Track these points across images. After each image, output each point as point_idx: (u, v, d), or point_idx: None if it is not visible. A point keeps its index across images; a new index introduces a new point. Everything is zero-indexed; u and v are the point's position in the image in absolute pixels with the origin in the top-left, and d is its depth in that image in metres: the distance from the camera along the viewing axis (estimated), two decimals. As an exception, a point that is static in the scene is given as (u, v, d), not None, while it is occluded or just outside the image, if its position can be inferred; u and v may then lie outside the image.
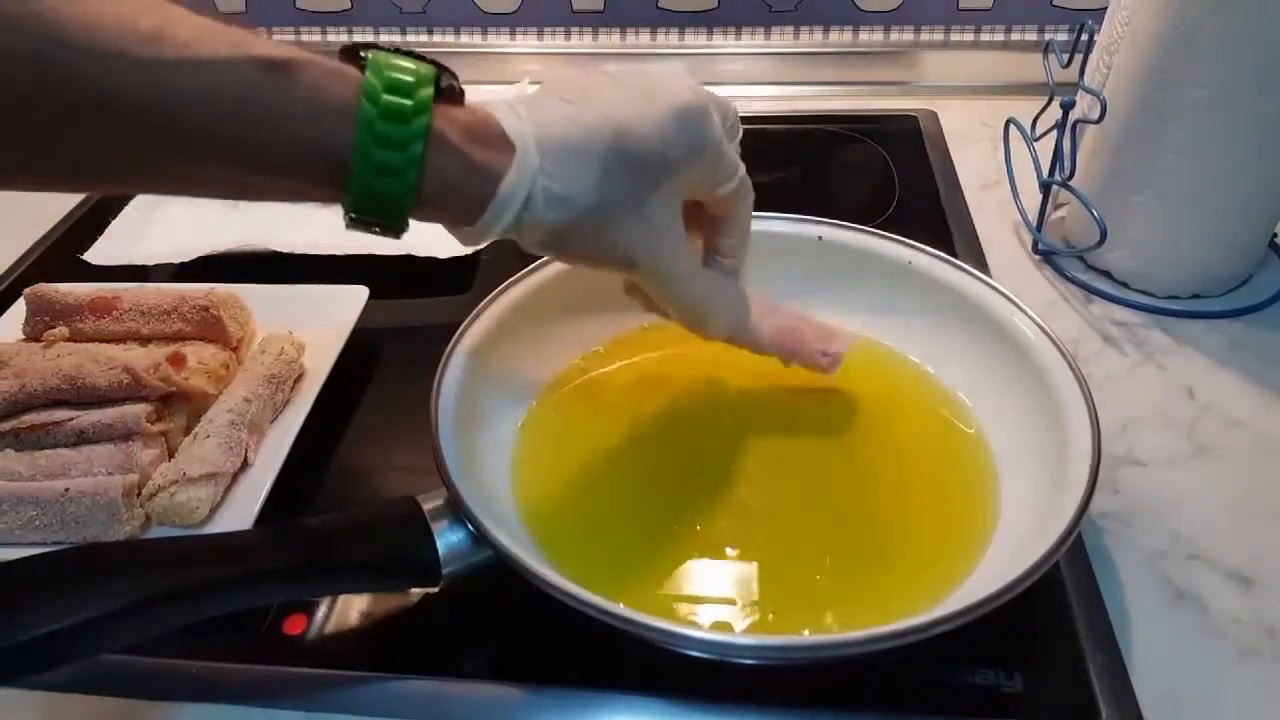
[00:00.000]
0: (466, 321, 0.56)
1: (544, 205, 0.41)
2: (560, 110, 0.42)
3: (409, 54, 0.39)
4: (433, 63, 0.39)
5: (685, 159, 0.44)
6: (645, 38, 1.07)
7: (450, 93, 0.40)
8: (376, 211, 0.39)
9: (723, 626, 0.46)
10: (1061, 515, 0.43)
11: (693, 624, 0.46)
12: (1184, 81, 0.61)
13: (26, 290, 0.64)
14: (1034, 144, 0.74)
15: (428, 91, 0.38)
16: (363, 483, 0.59)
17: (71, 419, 0.55)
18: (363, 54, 0.38)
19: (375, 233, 0.40)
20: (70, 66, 0.32)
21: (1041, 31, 1.02)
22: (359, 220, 0.39)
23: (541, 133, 0.41)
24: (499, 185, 0.40)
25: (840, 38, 1.06)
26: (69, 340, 0.61)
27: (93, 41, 0.32)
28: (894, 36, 1.05)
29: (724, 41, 1.07)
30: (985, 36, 1.04)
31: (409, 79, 0.37)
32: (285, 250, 0.74)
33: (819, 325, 0.58)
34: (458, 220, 0.42)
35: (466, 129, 0.39)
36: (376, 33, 1.09)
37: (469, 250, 0.74)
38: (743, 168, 0.48)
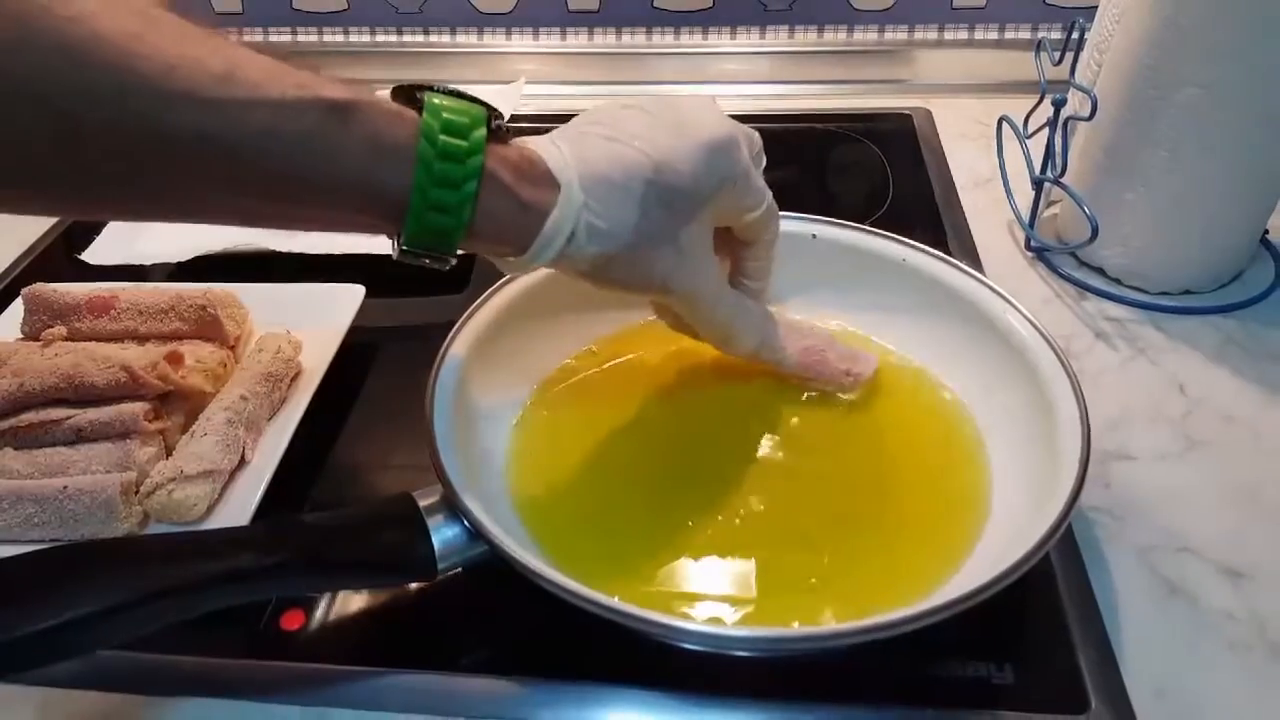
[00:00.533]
0: (461, 320, 0.56)
1: (587, 239, 0.43)
2: (601, 148, 0.44)
3: (459, 94, 0.41)
4: (481, 103, 0.41)
5: (717, 190, 0.47)
6: (640, 37, 1.07)
7: (498, 132, 0.42)
8: (429, 245, 0.41)
9: (717, 620, 0.47)
10: (1051, 508, 0.44)
11: (687, 617, 0.46)
12: (1174, 79, 0.62)
13: (24, 290, 0.65)
14: (1026, 141, 0.74)
15: (481, 132, 0.40)
16: (359, 480, 0.59)
17: (69, 417, 0.55)
18: (419, 94, 0.40)
19: (424, 264, 0.42)
20: (148, 104, 0.34)
21: (1035, 29, 1.02)
22: (410, 253, 0.42)
23: (584, 170, 0.43)
24: (545, 221, 0.42)
25: (835, 37, 1.06)
26: (67, 339, 0.62)
27: (170, 81, 0.34)
28: (888, 35, 1.05)
29: (719, 41, 1.07)
30: (979, 35, 1.04)
31: (464, 120, 0.40)
32: (282, 250, 0.74)
33: (844, 348, 0.59)
34: (505, 252, 0.45)
35: (515, 167, 0.42)
36: (373, 32, 1.10)
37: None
38: (769, 194, 0.51)
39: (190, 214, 0.42)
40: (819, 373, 0.58)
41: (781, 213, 0.63)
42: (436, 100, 0.40)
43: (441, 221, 0.40)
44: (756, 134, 0.51)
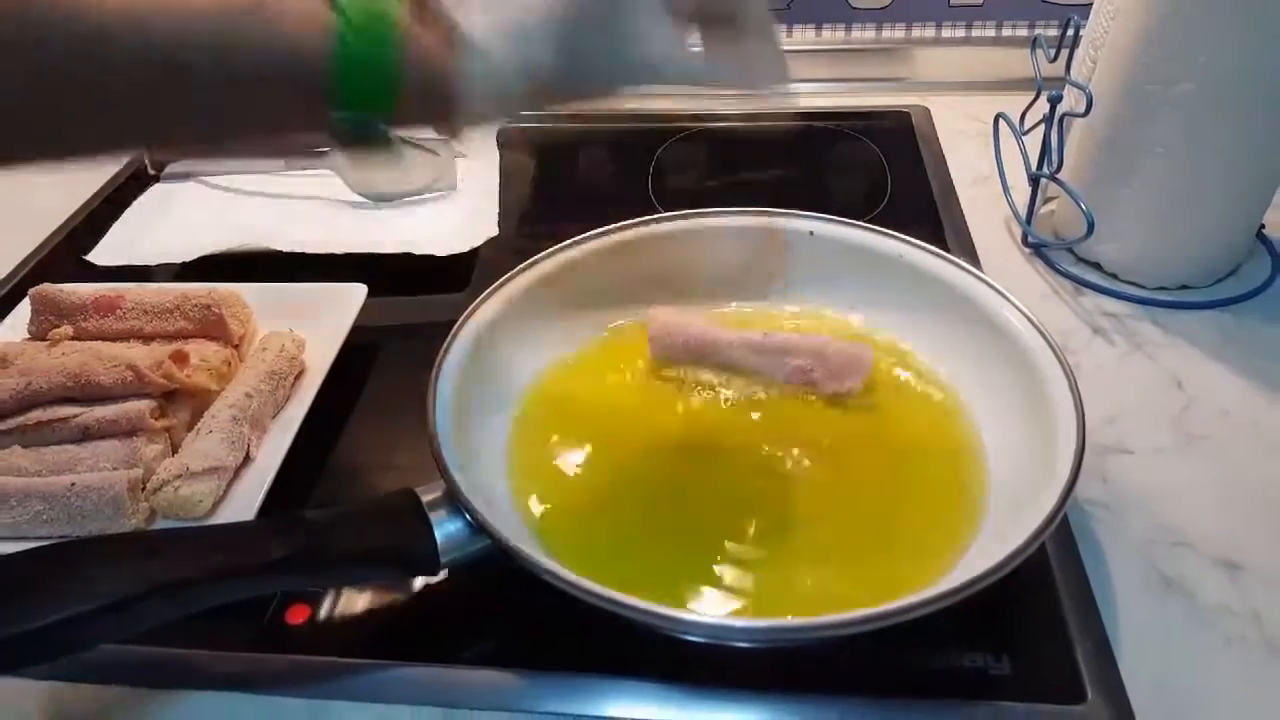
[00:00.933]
0: (463, 318, 0.57)
1: (515, 77, 0.41)
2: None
3: None
4: None
5: None
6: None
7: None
8: (359, 110, 0.40)
9: (717, 612, 0.47)
10: (1046, 501, 0.44)
11: (688, 609, 0.47)
12: (1168, 74, 0.62)
13: (31, 290, 0.65)
14: (1023, 138, 0.74)
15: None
16: (362, 476, 0.60)
17: (77, 415, 0.56)
18: None
19: (361, 143, 0.42)
20: (54, 26, 0.34)
21: (1032, 27, 1.03)
22: (345, 127, 0.41)
23: (485, 21, 0.41)
24: (463, 67, 0.40)
25: (833, 35, 1.06)
26: (73, 339, 0.62)
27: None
28: (886, 34, 1.05)
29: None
30: (976, 33, 1.05)
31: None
32: (286, 249, 0.75)
33: (834, 360, 0.59)
34: (439, 110, 0.42)
35: (430, 28, 0.40)
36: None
37: (465, 248, 0.74)
38: None
39: (146, 130, 0.42)
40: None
41: (780, 210, 0.64)
42: None
43: (365, 81, 0.39)
44: None
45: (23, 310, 0.66)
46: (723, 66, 0.46)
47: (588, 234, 0.63)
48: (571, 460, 0.56)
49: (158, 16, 0.36)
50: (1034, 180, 0.74)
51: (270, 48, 0.38)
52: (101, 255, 0.78)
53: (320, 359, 0.63)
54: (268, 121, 0.42)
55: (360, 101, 0.40)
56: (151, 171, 0.88)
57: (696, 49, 0.44)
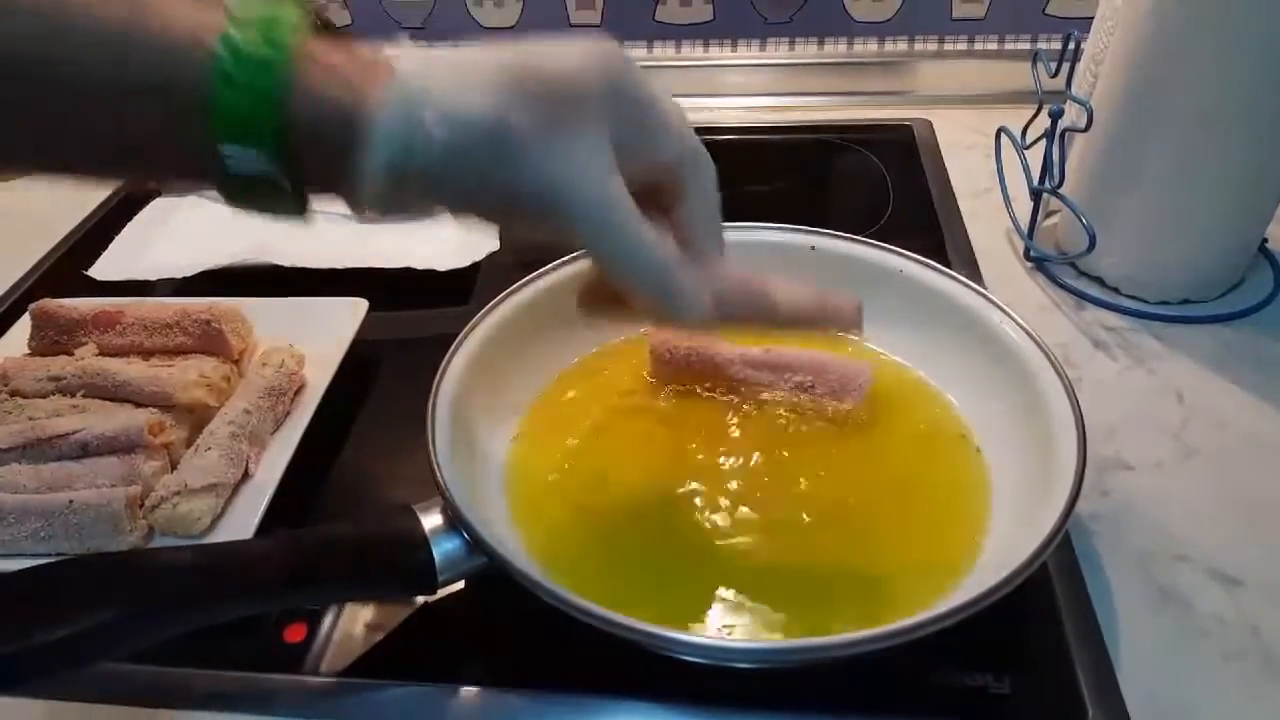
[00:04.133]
0: (463, 334, 0.57)
1: (435, 125, 0.35)
2: (451, 50, 0.38)
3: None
4: (315, 9, 0.36)
5: (601, 94, 0.37)
6: (642, 51, 1.08)
7: (327, 28, 0.36)
8: (242, 137, 0.34)
9: (716, 632, 0.47)
10: (1047, 519, 0.44)
11: (686, 629, 0.47)
12: (1169, 89, 0.62)
13: (32, 305, 0.65)
14: (1024, 152, 0.74)
15: (294, 14, 0.35)
16: (362, 493, 0.60)
17: (76, 432, 0.56)
18: None
19: (260, 200, 0.37)
20: None
21: (1034, 40, 1.03)
22: (225, 160, 0.35)
23: (426, 58, 0.37)
24: (380, 101, 0.35)
25: (835, 49, 1.07)
26: (67, 354, 0.63)
27: None
28: (888, 47, 1.06)
29: (720, 54, 1.08)
30: (979, 46, 1.05)
31: (277, 11, 0.35)
32: (286, 264, 0.75)
33: (834, 375, 0.59)
34: (339, 155, 0.36)
35: (343, 50, 0.36)
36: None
37: (466, 263, 0.74)
38: (693, 138, 0.41)
39: (39, 143, 0.37)
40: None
41: (780, 224, 0.64)
42: None
43: (250, 105, 0.33)
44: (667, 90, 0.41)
45: (23, 325, 0.66)
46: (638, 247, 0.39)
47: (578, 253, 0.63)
48: (570, 478, 0.56)
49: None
50: (1035, 194, 0.74)
51: (149, 57, 0.33)
52: (102, 270, 0.78)
53: (321, 374, 0.63)
54: (131, 147, 0.36)
55: (238, 126, 0.34)
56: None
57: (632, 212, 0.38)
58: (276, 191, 0.36)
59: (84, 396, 0.59)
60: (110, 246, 0.81)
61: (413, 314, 0.74)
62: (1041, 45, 1.00)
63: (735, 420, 0.59)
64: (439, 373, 0.54)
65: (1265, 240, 0.72)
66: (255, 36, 0.34)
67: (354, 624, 0.50)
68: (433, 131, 0.35)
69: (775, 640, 0.46)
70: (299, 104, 0.34)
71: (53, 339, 0.65)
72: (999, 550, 0.48)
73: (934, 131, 0.97)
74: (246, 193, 0.36)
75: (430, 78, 0.36)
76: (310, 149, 0.35)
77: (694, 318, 0.41)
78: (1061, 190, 0.70)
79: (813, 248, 0.64)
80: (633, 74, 0.38)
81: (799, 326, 0.46)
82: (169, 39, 0.33)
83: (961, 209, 0.84)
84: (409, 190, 0.37)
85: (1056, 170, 0.70)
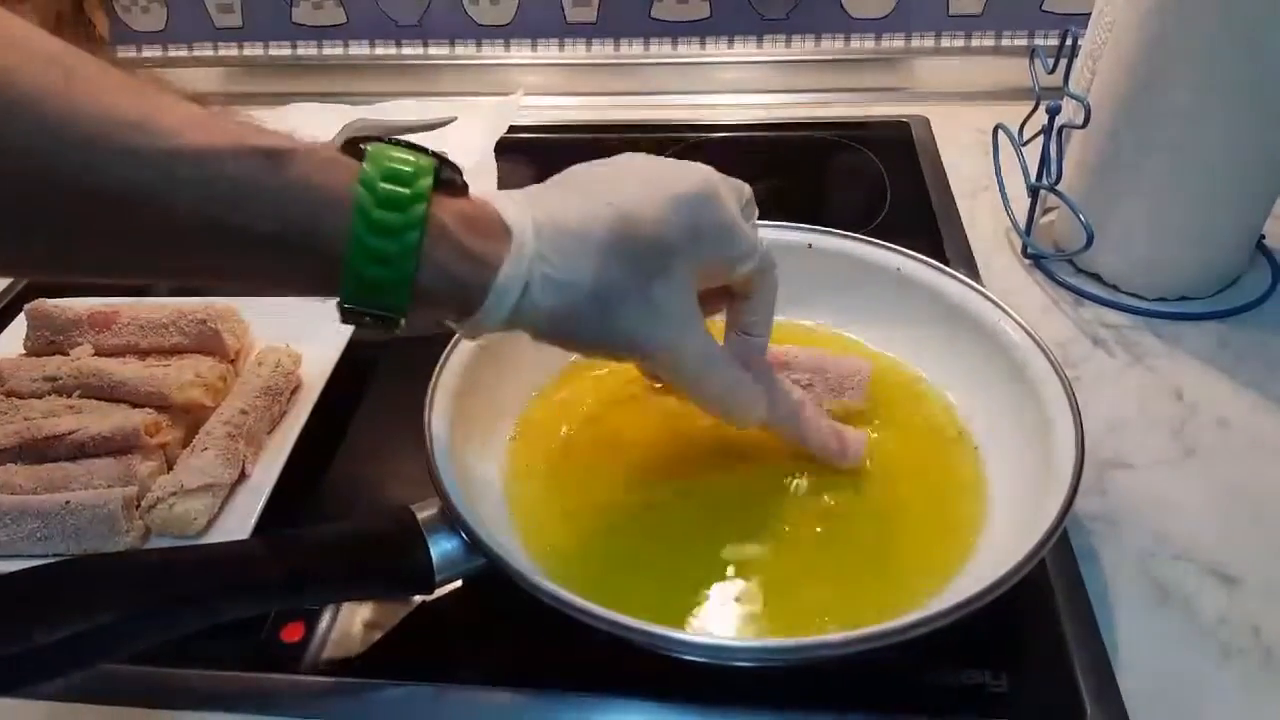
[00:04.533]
0: (459, 333, 0.57)
1: (542, 292, 0.40)
2: (559, 198, 0.42)
3: (411, 146, 0.39)
4: (435, 155, 0.39)
5: (689, 244, 0.43)
6: (638, 48, 1.08)
7: (451, 185, 0.39)
8: (371, 302, 0.38)
9: (714, 631, 0.47)
10: (1044, 517, 0.44)
11: (684, 628, 0.47)
12: (1166, 85, 0.62)
13: (27, 306, 0.65)
14: (1022, 149, 0.74)
15: (427, 181, 0.37)
16: (359, 493, 0.59)
17: (72, 432, 0.55)
18: (363, 145, 0.38)
19: (367, 324, 0.39)
20: (60, 158, 0.32)
21: (1032, 36, 1.03)
22: (353, 312, 0.38)
23: (539, 219, 0.40)
24: (497, 273, 0.39)
25: (832, 45, 1.06)
26: (62, 354, 0.63)
27: (83, 132, 0.32)
28: (885, 43, 1.06)
29: (717, 51, 1.07)
30: (976, 42, 1.05)
31: (408, 169, 0.37)
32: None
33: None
34: (457, 312, 0.41)
35: (465, 219, 0.39)
36: (372, 45, 1.10)
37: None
38: (761, 246, 0.47)
39: (144, 273, 0.41)
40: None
41: (777, 223, 0.64)
42: (380, 148, 0.38)
43: (382, 275, 0.37)
44: (746, 186, 0.48)
45: (18, 326, 0.66)
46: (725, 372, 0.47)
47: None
48: (568, 477, 0.56)
49: (165, 163, 0.33)
50: (1033, 191, 0.74)
51: (285, 212, 0.35)
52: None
53: (317, 373, 0.63)
54: (265, 279, 0.40)
55: (372, 287, 0.37)
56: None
57: (709, 341, 0.46)
58: (384, 321, 0.39)
59: (80, 397, 0.59)
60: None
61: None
62: (1039, 41, 1.00)
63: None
64: (436, 371, 0.54)
65: (1263, 236, 0.72)
66: (390, 212, 0.37)
67: (352, 624, 0.50)
68: (540, 300, 0.40)
69: (773, 639, 0.46)
70: (425, 280, 0.38)
71: (48, 339, 0.64)
72: (997, 548, 0.48)
73: (931, 128, 0.97)
74: (350, 316, 0.39)
75: (541, 242, 0.40)
76: (426, 308, 0.40)
77: (749, 425, 0.50)
78: (1059, 187, 0.70)
79: (810, 245, 0.64)
80: (718, 214, 0.44)
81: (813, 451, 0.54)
82: (313, 195, 0.36)
83: (959, 206, 0.83)
84: (517, 328, 0.42)
85: (1054, 167, 0.70)
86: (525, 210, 0.40)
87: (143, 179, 0.33)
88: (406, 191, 0.37)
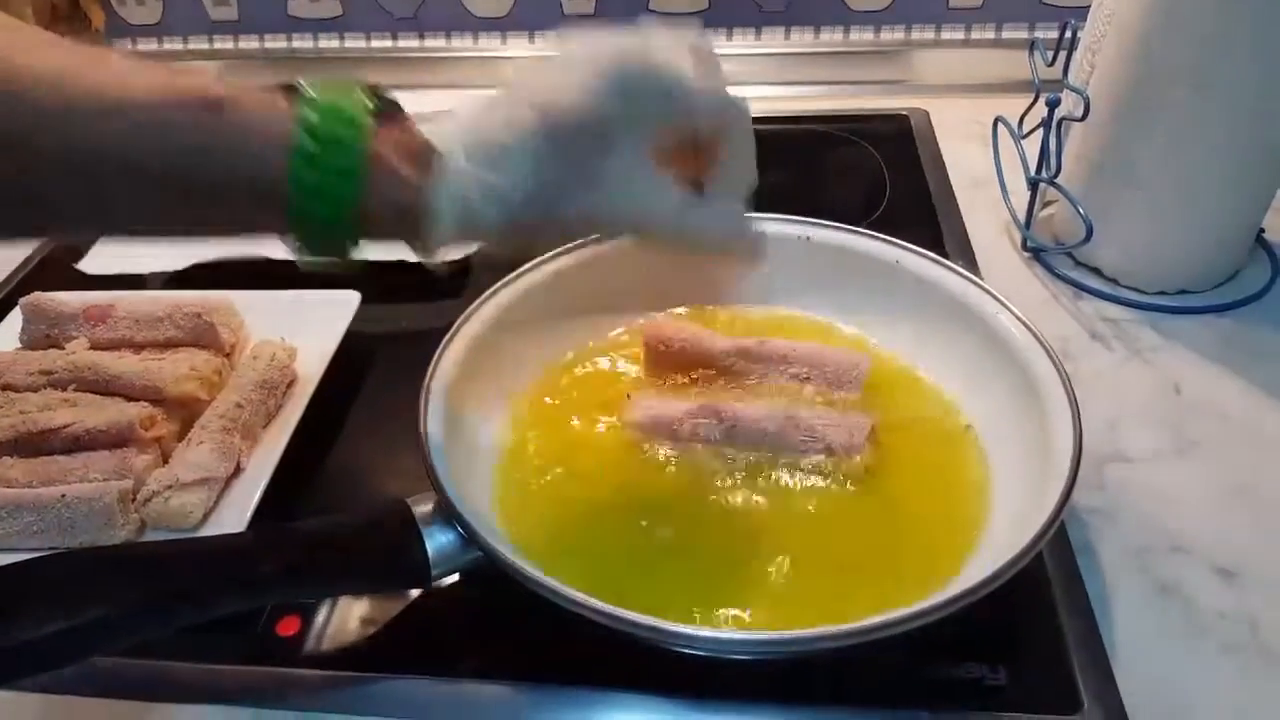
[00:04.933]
0: (455, 326, 0.56)
1: (485, 204, 0.40)
2: (486, 111, 0.41)
3: (346, 82, 0.40)
4: (372, 87, 0.40)
5: (625, 115, 0.41)
6: (637, 40, 1.07)
7: (387, 113, 0.40)
8: (321, 236, 0.40)
9: (713, 625, 0.47)
10: (1042, 511, 0.44)
11: (681, 621, 0.46)
12: (1166, 78, 0.62)
13: (22, 300, 0.65)
14: (1021, 142, 0.74)
15: (363, 117, 0.39)
16: (355, 486, 0.59)
17: (68, 426, 0.55)
18: (300, 83, 0.39)
19: (328, 261, 0.41)
20: (13, 121, 0.34)
21: (1032, 29, 1.03)
22: (306, 248, 0.40)
23: (467, 137, 0.40)
24: (432, 195, 0.40)
25: (831, 38, 1.06)
26: (59, 348, 0.63)
27: (46, 94, 0.34)
28: (885, 36, 1.05)
29: (715, 42, 1.06)
30: (976, 35, 1.04)
31: (343, 104, 0.38)
32: (277, 256, 0.74)
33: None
34: (408, 237, 0.42)
35: (401, 147, 0.40)
36: (368, 38, 1.10)
37: (460, 255, 0.74)
38: (725, 95, 0.45)
39: (103, 222, 0.42)
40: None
41: (775, 215, 0.64)
42: (315, 85, 0.39)
43: (324, 209, 0.38)
44: (705, 41, 0.45)
45: (14, 320, 0.66)
46: (704, 219, 0.46)
47: (581, 241, 0.63)
48: (565, 471, 0.55)
49: (103, 119, 0.35)
50: (1033, 184, 0.73)
51: (229, 160, 0.37)
52: (93, 264, 0.78)
53: (313, 367, 0.63)
54: (223, 224, 0.42)
55: (320, 223, 0.39)
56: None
57: (678, 199, 0.44)
58: (339, 249, 0.41)
59: (75, 391, 0.59)
60: (100, 239, 0.81)
61: (405, 306, 0.73)
62: (1038, 34, 0.99)
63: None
64: (432, 365, 0.54)
65: (1262, 230, 0.72)
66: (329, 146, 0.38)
67: (347, 617, 0.50)
68: (485, 211, 0.40)
69: (770, 632, 0.45)
70: (370, 207, 0.39)
71: (44, 333, 0.64)
72: (995, 542, 0.48)
73: (930, 121, 0.97)
74: (313, 252, 0.41)
75: (472, 160, 0.40)
76: (378, 237, 0.41)
77: (757, 257, 0.50)
78: (1059, 180, 0.70)
79: (808, 238, 0.64)
80: (650, 76, 0.42)
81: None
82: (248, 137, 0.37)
83: (958, 199, 0.83)
84: (473, 241, 0.43)
85: (1053, 160, 0.69)
86: (451, 129, 0.41)
87: (84, 133, 0.35)
88: (342, 129, 0.38)
